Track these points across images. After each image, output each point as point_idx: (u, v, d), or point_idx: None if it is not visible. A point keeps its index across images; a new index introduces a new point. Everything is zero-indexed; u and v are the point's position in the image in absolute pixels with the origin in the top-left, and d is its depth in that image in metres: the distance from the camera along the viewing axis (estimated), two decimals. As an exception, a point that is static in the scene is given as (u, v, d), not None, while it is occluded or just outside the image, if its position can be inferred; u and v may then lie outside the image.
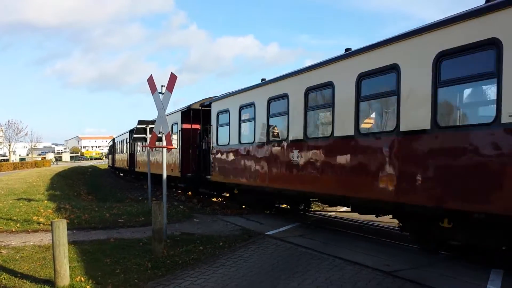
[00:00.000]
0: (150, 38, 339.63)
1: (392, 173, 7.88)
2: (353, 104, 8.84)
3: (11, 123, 78.31)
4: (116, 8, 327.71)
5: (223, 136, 15.04)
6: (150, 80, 9.85)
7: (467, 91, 7.60)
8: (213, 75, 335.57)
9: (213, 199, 18.86)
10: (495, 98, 6.25)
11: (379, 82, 8.48)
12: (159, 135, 10.16)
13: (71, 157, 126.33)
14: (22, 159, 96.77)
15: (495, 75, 6.27)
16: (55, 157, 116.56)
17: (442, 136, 7.00)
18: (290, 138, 11.07)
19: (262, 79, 13.02)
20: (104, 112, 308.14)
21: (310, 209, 13.52)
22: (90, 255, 8.04)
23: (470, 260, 7.26)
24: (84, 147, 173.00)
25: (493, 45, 6.27)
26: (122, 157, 36.96)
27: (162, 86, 9.68)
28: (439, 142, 7.02)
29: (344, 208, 13.42)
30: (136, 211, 13.33)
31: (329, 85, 9.61)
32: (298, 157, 10.71)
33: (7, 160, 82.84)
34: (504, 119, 6.04)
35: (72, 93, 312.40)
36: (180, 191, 22.30)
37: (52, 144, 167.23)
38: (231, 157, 14.42)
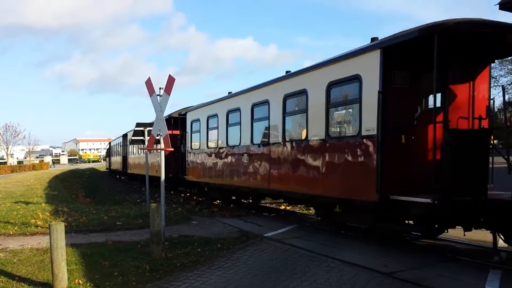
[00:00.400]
0: (149, 39, 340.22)
1: (304, 172, 10.25)
2: (281, 118, 11.44)
3: (8, 126, 78.25)
4: (116, 9, 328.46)
5: (195, 141, 17.55)
6: (148, 83, 9.85)
7: (345, 111, 9.72)
8: (212, 77, 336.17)
9: (212, 202, 18.82)
10: (359, 117, 8.50)
11: (295, 103, 11.13)
12: (157, 137, 10.14)
13: (69, 160, 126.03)
14: (20, 162, 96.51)
15: (358, 101, 8.51)
16: (52, 160, 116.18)
17: (331, 143, 9.42)
18: (241, 144, 13.53)
19: (229, 92, 15.24)
20: (103, 114, 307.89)
21: (262, 202, 16.09)
22: (88, 257, 8.03)
23: (468, 261, 7.27)
24: (82, 149, 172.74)
25: (357, 79, 8.56)
26: (117, 159, 38.11)
27: (160, 88, 9.67)
28: (331, 147, 9.42)
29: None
30: (134, 213, 13.31)
31: (266, 102, 12.19)
32: (247, 160, 13.16)
33: (5, 163, 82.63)
34: (363, 133, 8.36)
35: (71, 95, 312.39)
36: (178, 193, 22.29)
37: (50, 147, 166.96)
38: (201, 160, 16.85)
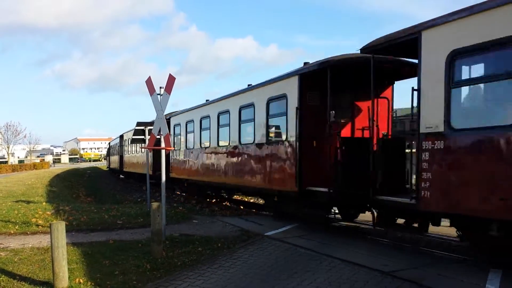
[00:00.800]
0: (149, 39, 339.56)
1: (253, 169, 12.60)
2: (237, 125, 13.77)
3: (9, 125, 78.28)
4: (116, 9, 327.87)
5: (177, 143, 19.97)
6: (149, 82, 9.86)
7: (278, 121, 11.65)
8: (212, 76, 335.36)
9: (212, 201, 18.86)
10: (286, 126, 10.99)
11: (247, 113, 13.19)
12: (158, 137, 10.15)
13: (70, 159, 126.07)
14: (20, 161, 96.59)
15: (285, 114, 10.97)
16: (53, 159, 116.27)
17: (270, 146, 11.81)
18: (211, 146, 16.01)
19: (206, 100, 17.36)
20: (103, 114, 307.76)
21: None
22: (89, 257, 8.04)
23: (469, 260, 7.27)
24: (83, 149, 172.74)
25: (285, 97, 11.02)
26: (115, 159, 40.06)
27: (160, 87, 9.67)
28: (269, 149, 11.79)
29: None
30: (135, 212, 13.33)
31: (227, 111, 14.58)
32: (214, 159, 15.58)
33: (6, 162, 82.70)
34: (288, 138, 10.82)
35: (71, 94, 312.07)
36: (178, 192, 22.30)
37: (51, 146, 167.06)
38: (182, 159, 19.45)
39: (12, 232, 10.86)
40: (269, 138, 11.94)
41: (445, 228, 9.91)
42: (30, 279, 6.76)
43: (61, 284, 6.25)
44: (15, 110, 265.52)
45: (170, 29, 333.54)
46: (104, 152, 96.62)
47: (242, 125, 13.60)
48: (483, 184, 6.20)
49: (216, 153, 15.49)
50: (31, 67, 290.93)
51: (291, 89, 10.67)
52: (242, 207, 16.41)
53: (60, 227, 6.36)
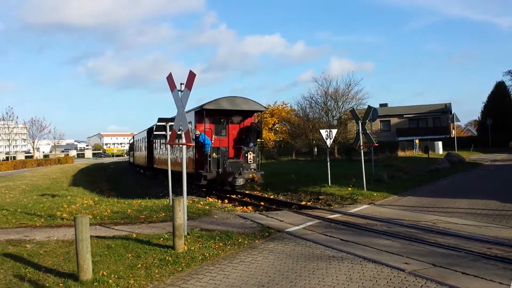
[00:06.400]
0: (180, 37, 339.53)
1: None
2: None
3: (34, 121, 79.85)
4: (149, 8, 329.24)
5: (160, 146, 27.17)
6: (170, 78, 9.91)
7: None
8: (238, 73, 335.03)
9: (232, 196, 18.95)
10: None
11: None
12: (179, 132, 10.21)
13: (93, 154, 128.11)
14: (45, 156, 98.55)
15: (194, 134, 18.70)
16: (77, 154, 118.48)
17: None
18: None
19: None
20: (128, 110, 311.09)
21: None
22: (112, 250, 8.16)
23: (494, 258, 7.12)
24: (106, 144, 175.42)
25: (191, 123, 17.62)
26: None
27: (181, 84, 9.71)
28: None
29: (364, 206, 13.38)
30: (156, 207, 13.48)
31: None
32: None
33: (31, 156, 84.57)
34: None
35: (100, 91, 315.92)
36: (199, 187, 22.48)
37: (75, 141, 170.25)
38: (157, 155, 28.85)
39: (38, 225, 11.10)
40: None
41: (460, 225, 9.76)
42: (55, 271, 6.89)
43: (85, 276, 6.36)
44: (45, 106, 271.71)
45: (200, 27, 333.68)
46: (127, 147, 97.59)
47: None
48: None
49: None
50: (65, 65, 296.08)
51: (192, 119, 19.03)
52: (262, 203, 16.44)
53: (84, 220, 6.47)
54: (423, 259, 7.18)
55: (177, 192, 18.65)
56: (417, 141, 43.54)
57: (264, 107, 19.48)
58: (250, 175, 18.75)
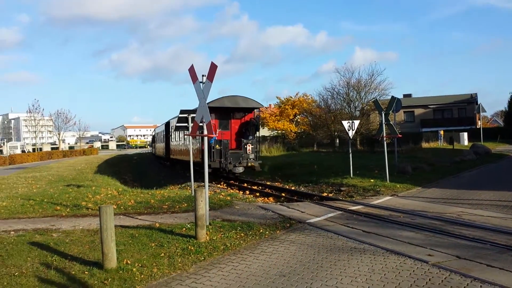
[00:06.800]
0: (202, 29, 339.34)
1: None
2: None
3: (60, 113, 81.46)
4: (172, 0, 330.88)
5: (176, 136, 28.17)
6: (191, 70, 9.95)
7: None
8: (259, 65, 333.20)
9: (253, 187, 19.00)
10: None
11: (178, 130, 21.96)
12: (200, 124, 10.26)
13: (117, 146, 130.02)
14: (71, 148, 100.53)
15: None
16: (101, 146, 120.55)
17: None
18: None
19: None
20: (152, 102, 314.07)
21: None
22: (136, 239, 8.30)
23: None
24: (130, 136, 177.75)
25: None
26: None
27: (202, 75, 9.73)
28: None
29: (387, 198, 13.25)
30: (179, 197, 13.63)
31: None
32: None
33: (57, 148, 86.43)
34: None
35: (124, 83, 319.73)
36: (220, 179, 22.64)
37: (99, 133, 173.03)
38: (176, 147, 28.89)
39: (63, 214, 11.36)
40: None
41: (485, 217, 9.58)
42: (80, 259, 7.06)
43: (110, 264, 6.49)
44: (71, 99, 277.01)
45: (223, 18, 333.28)
46: (150, 139, 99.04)
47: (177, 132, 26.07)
48: None
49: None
50: (89, 57, 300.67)
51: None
52: (283, 194, 16.44)
53: (108, 210, 6.59)
54: (447, 251, 7.08)
55: (199, 182, 18.82)
56: (441, 132, 42.73)
57: (261, 104, 22.19)
58: (249, 164, 21.08)
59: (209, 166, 19.90)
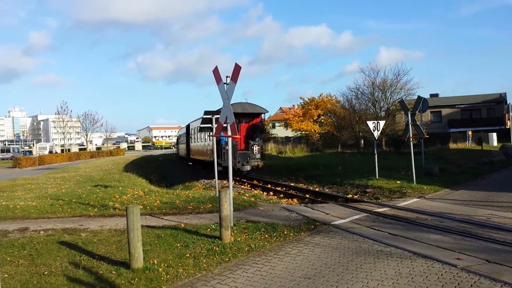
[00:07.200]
0: (226, 31, 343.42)
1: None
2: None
3: (87, 114, 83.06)
4: (197, 3, 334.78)
5: (195, 138, 30.73)
6: (216, 71, 10.00)
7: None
8: (283, 65, 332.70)
9: (277, 188, 18.97)
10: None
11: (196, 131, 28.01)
12: (224, 125, 10.31)
13: (143, 147, 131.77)
14: (98, 148, 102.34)
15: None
16: (128, 147, 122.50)
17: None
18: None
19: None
20: (176, 103, 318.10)
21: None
22: (162, 239, 8.39)
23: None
24: (155, 137, 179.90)
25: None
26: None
27: (227, 76, 9.77)
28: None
29: (414, 200, 13.02)
30: (203, 198, 13.72)
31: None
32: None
33: (85, 149, 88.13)
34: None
35: (149, 85, 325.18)
36: (244, 180, 22.69)
37: (126, 134, 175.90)
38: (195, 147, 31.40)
39: (91, 214, 11.58)
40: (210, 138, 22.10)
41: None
42: (108, 259, 7.18)
43: (137, 264, 6.58)
44: (98, 100, 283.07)
45: (247, 20, 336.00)
46: (175, 140, 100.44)
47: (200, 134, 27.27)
48: None
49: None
50: (116, 60, 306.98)
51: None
52: (307, 196, 16.37)
53: (135, 210, 6.68)
54: (476, 254, 6.91)
55: (223, 183, 18.89)
56: (470, 132, 41.81)
57: (266, 110, 24.93)
58: (256, 163, 23.21)
59: (220, 164, 22.10)
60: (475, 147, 37.62)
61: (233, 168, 22.76)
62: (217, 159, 24.95)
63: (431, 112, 55.64)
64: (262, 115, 25.27)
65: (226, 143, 21.46)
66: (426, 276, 5.95)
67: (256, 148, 23.30)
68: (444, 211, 10.97)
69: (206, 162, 27.46)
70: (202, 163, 29.19)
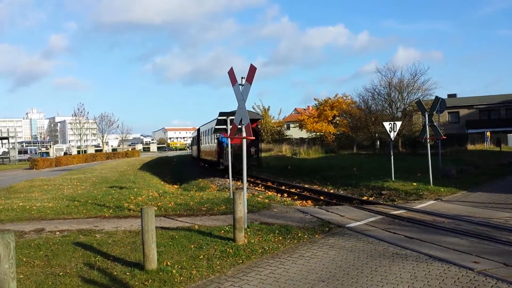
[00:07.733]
0: (242, 32, 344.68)
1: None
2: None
3: (104, 116, 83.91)
4: (214, 5, 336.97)
5: (204, 140, 35.56)
6: (231, 73, 10.00)
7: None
8: (299, 67, 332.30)
9: (291, 190, 18.90)
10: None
11: (206, 133, 33.21)
12: (239, 126, 10.29)
13: (158, 148, 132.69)
14: (114, 150, 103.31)
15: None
16: (143, 148, 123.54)
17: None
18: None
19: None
20: (191, 105, 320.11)
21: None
22: (176, 241, 8.41)
23: None
24: (170, 138, 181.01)
25: (212, 127, 24.58)
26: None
27: (242, 78, 9.75)
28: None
29: (430, 202, 12.85)
30: (217, 199, 13.73)
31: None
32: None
33: (101, 150, 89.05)
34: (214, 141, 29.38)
35: (165, 87, 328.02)
36: (258, 181, 22.66)
37: (141, 135, 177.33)
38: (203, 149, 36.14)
39: (106, 215, 11.68)
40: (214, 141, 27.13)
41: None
42: (122, 260, 7.22)
43: (151, 265, 6.60)
44: (114, 102, 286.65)
45: (263, 21, 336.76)
46: (189, 142, 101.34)
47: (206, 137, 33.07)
48: None
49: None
50: (133, 62, 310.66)
51: (214, 125, 20.45)
52: (322, 197, 16.26)
53: (150, 212, 6.70)
54: (494, 258, 6.78)
55: (237, 185, 18.89)
56: (488, 133, 41.16)
57: (262, 116, 30.21)
58: (252, 163, 26.90)
59: (222, 163, 25.72)
60: (493, 148, 37.01)
61: (234, 167, 25.11)
62: (219, 159, 27.15)
63: (448, 112, 54.94)
64: (259, 120, 29.09)
65: (227, 145, 23.55)
66: (443, 280, 5.85)
67: (253, 150, 27.14)
68: (461, 214, 10.79)
69: (212, 161, 30.89)
70: (209, 163, 33.26)
